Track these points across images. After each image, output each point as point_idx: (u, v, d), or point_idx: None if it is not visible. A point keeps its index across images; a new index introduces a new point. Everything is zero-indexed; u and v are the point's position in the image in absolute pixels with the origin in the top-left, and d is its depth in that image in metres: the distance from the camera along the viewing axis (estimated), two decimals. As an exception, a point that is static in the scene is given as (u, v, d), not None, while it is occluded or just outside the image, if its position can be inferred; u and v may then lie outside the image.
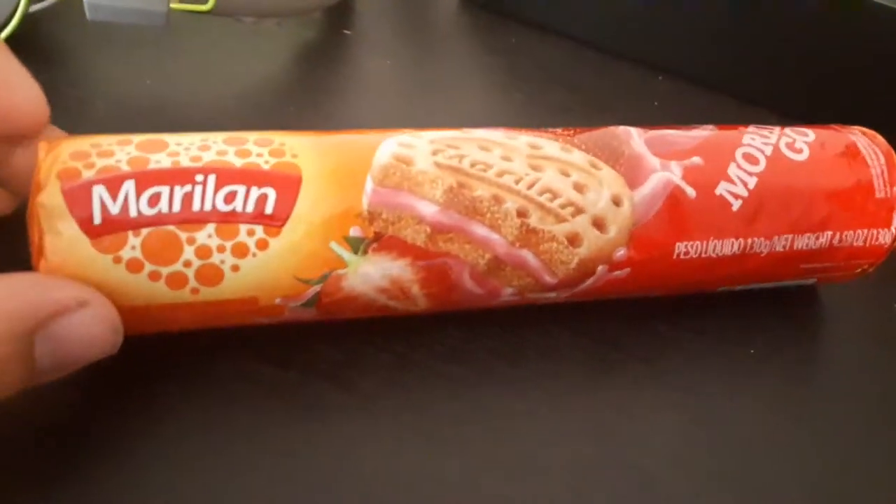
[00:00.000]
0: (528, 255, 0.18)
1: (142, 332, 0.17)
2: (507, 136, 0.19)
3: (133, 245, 0.16)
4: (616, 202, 0.19)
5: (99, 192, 0.16)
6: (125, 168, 0.16)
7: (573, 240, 0.19)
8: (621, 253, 0.19)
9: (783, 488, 0.19)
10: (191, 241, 0.16)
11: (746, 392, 0.21)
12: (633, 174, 0.19)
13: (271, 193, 0.17)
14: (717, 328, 0.23)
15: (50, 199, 0.15)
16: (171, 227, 0.16)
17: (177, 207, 0.16)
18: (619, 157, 0.19)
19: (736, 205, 0.20)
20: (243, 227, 0.16)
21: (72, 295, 0.15)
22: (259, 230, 0.16)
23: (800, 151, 0.21)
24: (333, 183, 0.17)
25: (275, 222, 0.16)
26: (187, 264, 0.16)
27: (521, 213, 0.18)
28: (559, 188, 0.18)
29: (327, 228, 0.17)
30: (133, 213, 0.16)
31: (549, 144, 0.19)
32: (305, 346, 0.21)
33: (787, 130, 0.22)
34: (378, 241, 0.17)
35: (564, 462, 0.19)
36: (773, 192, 0.20)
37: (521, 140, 0.19)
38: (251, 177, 0.17)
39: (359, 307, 0.18)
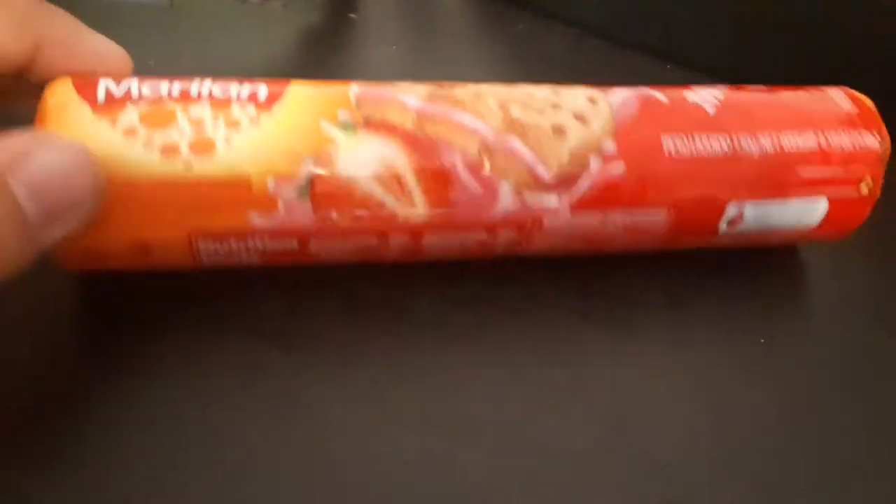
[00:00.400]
0: (516, 143, 0.19)
1: (129, 230, 0.17)
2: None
3: (131, 114, 0.16)
4: (592, 101, 0.20)
5: (106, 82, 0.17)
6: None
7: (558, 131, 0.19)
8: (610, 146, 0.19)
9: (792, 477, 0.18)
10: (185, 110, 0.17)
11: (757, 380, 0.20)
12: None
13: (262, 88, 0.18)
14: (727, 316, 0.22)
15: (60, 87, 0.17)
16: (169, 102, 0.17)
17: (175, 94, 0.17)
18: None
19: (712, 111, 0.21)
20: (236, 105, 0.17)
21: (33, 133, 0.15)
22: (251, 108, 0.17)
23: (759, 90, 0.22)
24: (321, 85, 0.19)
25: (267, 104, 0.17)
26: (181, 133, 0.17)
27: (503, 108, 0.19)
28: (536, 93, 0.20)
29: (317, 110, 0.18)
30: (135, 95, 0.17)
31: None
32: (307, 325, 0.20)
33: None
34: (367, 123, 0.18)
35: (572, 449, 0.18)
36: (744, 100, 0.21)
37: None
38: (244, 79, 0.18)
39: (355, 203, 0.18)
